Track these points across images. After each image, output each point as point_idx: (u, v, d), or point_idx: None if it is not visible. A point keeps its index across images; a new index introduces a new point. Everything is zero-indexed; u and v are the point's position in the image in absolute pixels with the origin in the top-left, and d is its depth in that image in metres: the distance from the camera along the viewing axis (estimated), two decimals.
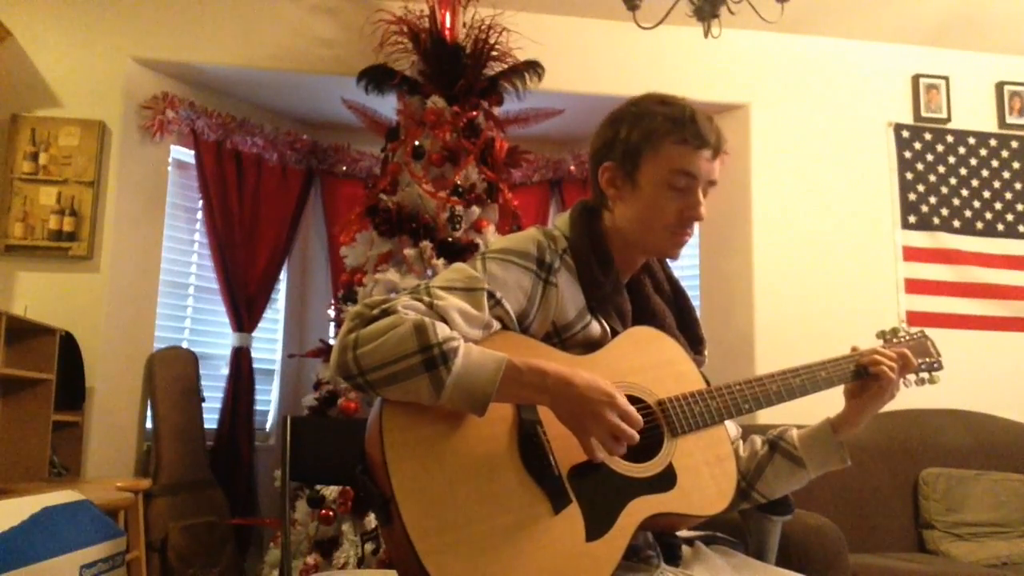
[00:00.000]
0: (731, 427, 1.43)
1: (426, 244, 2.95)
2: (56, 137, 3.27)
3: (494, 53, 3.24)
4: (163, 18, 3.42)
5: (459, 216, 2.99)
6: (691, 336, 1.43)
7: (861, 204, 3.68)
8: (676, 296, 1.47)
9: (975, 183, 3.75)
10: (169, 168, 3.62)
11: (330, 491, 2.75)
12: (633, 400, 1.20)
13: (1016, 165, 3.80)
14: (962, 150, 3.77)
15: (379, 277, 2.95)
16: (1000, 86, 3.84)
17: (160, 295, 3.55)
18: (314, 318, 4.09)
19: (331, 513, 2.73)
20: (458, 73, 3.17)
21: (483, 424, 1.11)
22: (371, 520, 2.68)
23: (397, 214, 3.03)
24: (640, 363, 1.28)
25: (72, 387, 3.09)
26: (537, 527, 1.08)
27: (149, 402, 3.40)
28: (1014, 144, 3.81)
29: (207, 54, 3.46)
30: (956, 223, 3.71)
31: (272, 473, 3.39)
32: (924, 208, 3.71)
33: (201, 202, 3.73)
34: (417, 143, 3.09)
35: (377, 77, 3.21)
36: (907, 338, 1.50)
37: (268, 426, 3.97)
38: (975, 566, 2.66)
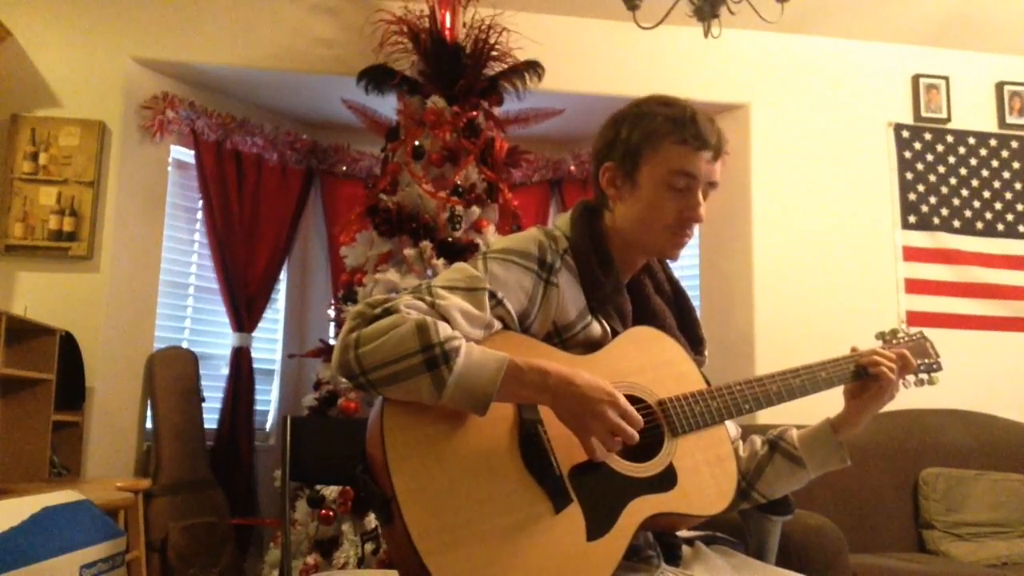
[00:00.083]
0: (731, 427, 1.43)
1: (426, 244, 2.94)
2: (56, 137, 3.27)
3: (494, 53, 3.24)
4: (163, 18, 3.42)
5: (459, 216, 2.99)
6: (691, 336, 1.43)
7: (861, 204, 3.68)
8: (676, 296, 1.47)
9: (975, 183, 3.76)
10: (169, 168, 3.62)
11: (330, 491, 2.75)
12: (633, 400, 1.20)
13: (1016, 165, 3.80)
14: (962, 150, 3.77)
15: (379, 277, 2.95)
16: (1000, 86, 3.84)
17: (160, 295, 3.55)
18: (314, 318, 4.09)
19: (331, 513, 2.74)
20: (458, 73, 3.17)
21: (484, 424, 1.11)
22: (371, 520, 2.68)
23: (397, 214, 3.03)
24: (641, 363, 1.29)
25: (72, 387, 3.09)
26: (538, 526, 1.08)
27: (149, 402, 3.40)
28: (1014, 144, 3.81)
29: (207, 54, 3.46)
30: (956, 223, 3.71)
31: (272, 473, 3.39)
32: (924, 208, 3.71)
33: (201, 202, 3.73)
34: (417, 143, 3.09)
35: (377, 77, 3.21)
36: (906, 339, 1.50)
37: (268, 426, 3.97)
38: (975, 566, 2.66)
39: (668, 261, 1.49)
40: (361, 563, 2.59)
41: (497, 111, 3.31)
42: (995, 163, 3.79)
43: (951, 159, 3.76)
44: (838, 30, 3.73)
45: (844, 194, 3.68)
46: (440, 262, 2.90)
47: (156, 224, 3.55)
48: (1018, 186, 3.79)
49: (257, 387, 3.79)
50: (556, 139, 4.08)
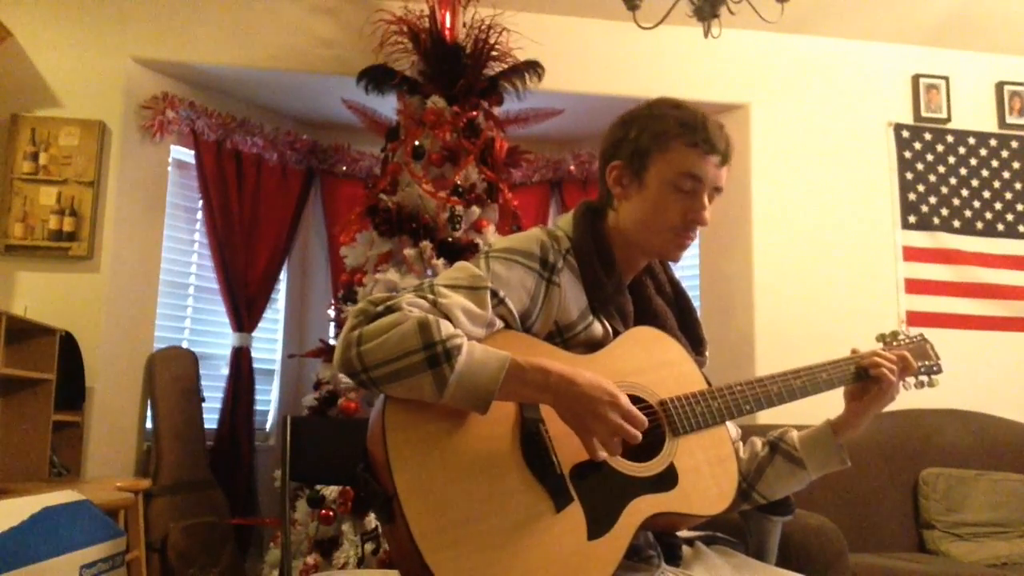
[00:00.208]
0: (731, 429, 1.43)
1: (426, 244, 2.94)
2: (56, 137, 3.27)
3: (494, 53, 3.24)
4: (163, 18, 3.42)
5: (459, 216, 2.99)
6: (692, 337, 1.43)
7: (861, 204, 3.68)
8: (677, 297, 1.48)
9: (975, 183, 3.76)
10: (169, 168, 3.62)
11: (330, 491, 2.75)
12: (635, 400, 1.20)
13: (1016, 165, 3.80)
14: (962, 150, 3.77)
15: (379, 277, 2.95)
16: (1000, 86, 3.85)
17: (160, 295, 3.55)
18: (314, 318, 4.09)
19: (331, 513, 2.74)
20: (458, 73, 3.17)
21: (485, 423, 1.11)
22: (371, 520, 2.68)
23: (397, 214, 3.03)
24: (642, 363, 1.29)
25: (72, 387, 3.09)
26: (539, 525, 1.09)
27: (149, 402, 3.40)
28: (1014, 144, 3.81)
29: (207, 54, 3.46)
30: (956, 223, 3.71)
31: (272, 473, 3.39)
32: (924, 208, 3.71)
33: (201, 202, 3.73)
34: (417, 143, 3.08)
35: (377, 77, 3.21)
36: (907, 341, 1.51)
37: (268, 426, 3.97)
38: (975, 566, 2.66)
39: (669, 262, 1.49)
40: (361, 563, 2.59)
41: (497, 111, 3.31)
42: (995, 163, 3.79)
43: (951, 159, 3.76)
44: (838, 30, 3.73)
45: (844, 194, 3.68)
46: (440, 262, 2.90)
47: (156, 224, 3.55)
48: (1018, 186, 3.79)
49: (257, 387, 3.79)
50: (556, 139, 4.08)
